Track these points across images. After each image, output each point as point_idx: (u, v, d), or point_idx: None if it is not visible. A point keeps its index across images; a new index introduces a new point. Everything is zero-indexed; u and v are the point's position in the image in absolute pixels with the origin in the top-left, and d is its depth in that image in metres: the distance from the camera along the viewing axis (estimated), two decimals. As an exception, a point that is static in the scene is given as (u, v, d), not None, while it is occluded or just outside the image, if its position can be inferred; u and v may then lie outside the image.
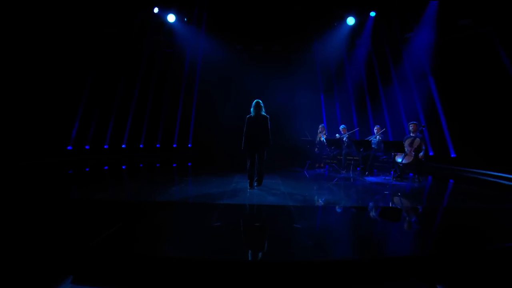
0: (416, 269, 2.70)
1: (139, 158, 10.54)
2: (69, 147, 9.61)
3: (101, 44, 10.07)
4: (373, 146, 7.52)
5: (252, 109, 5.56)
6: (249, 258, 2.75)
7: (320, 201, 5.06)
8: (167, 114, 11.83)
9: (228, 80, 11.54)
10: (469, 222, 3.94)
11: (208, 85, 11.81)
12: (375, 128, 7.90)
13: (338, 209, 4.54)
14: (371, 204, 4.97)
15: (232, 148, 7.04)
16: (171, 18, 10.36)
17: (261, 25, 10.70)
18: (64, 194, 5.05)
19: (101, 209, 4.18)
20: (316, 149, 8.73)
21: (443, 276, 2.60)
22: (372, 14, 10.24)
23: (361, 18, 10.43)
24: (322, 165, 8.92)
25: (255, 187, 5.61)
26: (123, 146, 10.97)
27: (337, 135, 8.55)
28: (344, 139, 8.23)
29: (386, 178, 7.07)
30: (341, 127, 8.62)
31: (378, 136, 7.74)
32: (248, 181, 5.59)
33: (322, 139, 8.66)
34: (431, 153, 9.46)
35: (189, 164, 9.90)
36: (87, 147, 10.07)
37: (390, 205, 5.02)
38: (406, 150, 6.72)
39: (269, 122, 5.54)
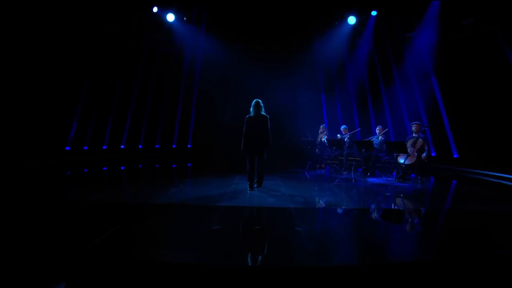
0: (422, 275, 2.60)
1: (138, 159, 10.45)
2: (67, 148, 9.50)
3: (100, 44, 9.98)
4: (375, 146, 7.42)
5: (251, 108, 5.46)
6: (249, 263, 2.66)
7: (322, 203, 4.96)
8: (166, 114, 11.73)
9: (228, 80, 11.45)
10: (475, 225, 3.84)
11: (207, 85, 11.71)
12: (377, 128, 7.80)
13: (340, 212, 4.44)
14: (373, 206, 4.87)
15: (232, 148, 6.94)
16: (170, 17, 10.27)
17: (261, 25, 10.60)
18: (61, 196, 4.96)
19: (98, 211, 4.09)
20: (317, 149, 8.64)
21: (448, 282, 2.51)
22: (374, 13, 10.14)
23: (362, 17, 10.34)
24: (323, 166, 8.82)
25: (255, 189, 5.51)
26: (122, 146, 10.88)
27: (338, 135, 8.46)
28: (345, 140, 8.13)
29: (388, 179, 6.97)
30: (342, 127, 8.52)
31: (380, 137, 7.64)
32: (248, 182, 5.50)
33: (323, 139, 8.57)
34: (433, 154, 9.36)
35: (189, 164, 9.82)
36: (85, 147, 9.97)
37: (394, 208, 4.92)
38: (408, 150, 6.63)
39: (269, 122, 5.45)
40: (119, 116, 10.78)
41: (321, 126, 8.94)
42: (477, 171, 7.92)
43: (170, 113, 11.77)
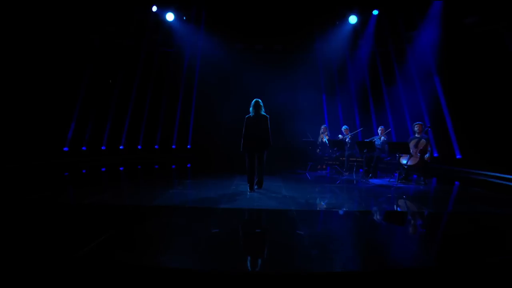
0: (428, 282, 2.49)
1: (137, 159, 10.35)
2: (65, 149, 9.39)
3: (99, 43, 9.88)
4: (377, 147, 7.31)
5: (251, 108, 5.36)
6: (249, 269, 2.55)
7: (323, 205, 4.85)
8: (165, 115, 11.63)
9: (228, 79, 11.36)
10: (482, 228, 3.73)
11: (207, 85, 11.60)
12: (379, 128, 7.69)
13: (343, 214, 4.33)
14: (377, 208, 4.76)
15: (232, 149, 6.85)
16: (169, 16, 10.18)
17: (262, 24, 10.49)
18: (56, 198, 4.84)
19: (93, 214, 3.99)
20: (318, 150, 8.54)
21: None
22: (375, 12, 10.05)
23: (364, 16, 10.25)
24: (324, 166, 8.71)
25: (256, 190, 5.41)
26: (120, 147, 10.77)
27: (339, 136, 8.35)
28: (347, 140, 8.02)
29: (391, 180, 6.86)
30: (344, 127, 8.42)
31: (382, 137, 7.53)
32: (248, 184, 5.39)
33: (324, 140, 8.46)
34: (436, 154, 9.24)
35: (188, 165, 9.73)
36: (83, 148, 9.86)
37: (397, 210, 4.81)
38: (411, 151, 6.52)
39: (269, 122, 5.34)
40: (118, 116, 10.67)
41: (322, 127, 8.83)
42: (481, 172, 7.82)
43: (170, 113, 11.66)
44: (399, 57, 10.28)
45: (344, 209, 4.60)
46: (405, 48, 10.05)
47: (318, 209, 4.69)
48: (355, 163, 7.92)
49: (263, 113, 5.36)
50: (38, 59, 8.45)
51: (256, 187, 5.48)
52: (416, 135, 6.80)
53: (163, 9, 10.09)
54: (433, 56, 9.21)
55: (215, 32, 10.64)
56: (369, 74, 11.07)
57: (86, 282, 2.35)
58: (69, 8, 8.66)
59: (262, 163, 5.44)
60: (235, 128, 6.35)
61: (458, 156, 8.79)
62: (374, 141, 7.44)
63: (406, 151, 6.41)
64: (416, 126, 6.85)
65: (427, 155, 6.58)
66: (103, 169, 8.22)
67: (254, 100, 5.38)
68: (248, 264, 2.67)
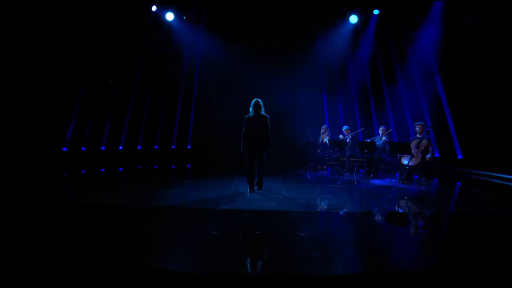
0: (431, 285, 2.45)
1: (136, 160, 10.30)
2: (64, 149, 9.35)
3: (98, 43, 9.84)
4: (378, 147, 7.26)
5: (251, 108, 5.30)
6: (249, 272, 2.50)
7: (325, 206, 4.81)
8: (165, 115, 11.58)
9: (228, 79, 11.31)
10: (486, 230, 3.68)
11: (207, 85, 11.55)
12: (381, 129, 7.64)
13: (344, 215, 4.28)
14: (378, 209, 4.71)
15: (232, 149, 6.81)
16: (169, 16, 10.13)
17: (262, 23, 10.43)
18: (54, 199, 4.80)
19: (92, 215, 3.94)
20: (319, 150, 8.48)
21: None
22: (376, 12, 9.99)
23: (365, 16, 10.19)
24: (324, 167, 8.66)
25: (256, 191, 5.36)
26: (120, 147, 10.72)
27: (340, 136, 8.30)
28: (347, 140, 7.97)
29: (392, 181, 6.80)
30: (344, 128, 8.37)
31: (384, 137, 7.47)
32: (248, 184, 5.34)
33: (324, 140, 8.41)
34: (437, 155, 9.19)
35: (188, 166, 9.68)
36: (83, 148, 9.81)
37: (399, 211, 4.76)
38: (412, 151, 6.46)
39: (269, 122, 5.29)
40: (117, 116, 10.62)
41: (323, 127, 8.78)
42: (482, 172, 7.77)
43: (169, 113, 11.61)
44: (400, 56, 10.22)
45: (345, 210, 4.55)
46: (406, 48, 10.00)
47: (318, 210, 4.64)
48: (356, 164, 7.87)
49: (263, 113, 5.30)
50: (37, 59, 8.41)
51: (256, 187, 5.43)
52: (418, 135, 6.75)
53: (162, 8, 10.04)
54: (434, 56, 9.15)
55: (215, 31, 10.59)
56: (370, 74, 11.02)
57: (82, 285, 2.31)
58: (68, 8, 8.62)
59: (262, 164, 5.39)
60: (235, 128, 6.31)
61: (459, 157, 8.73)
62: (375, 141, 7.39)
63: (407, 151, 6.36)
64: (417, 126, 6.80)
65: (428, 156, 6.52)
66: (103, 170, 8.17)
67: (254, 100, 5.33)
68: (248, 267, 2.62)
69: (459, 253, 2.93)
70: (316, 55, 11.46)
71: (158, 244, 3.03)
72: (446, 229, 3.89)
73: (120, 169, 8.52)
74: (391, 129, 7.98)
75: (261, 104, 5.31)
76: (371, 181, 6.84)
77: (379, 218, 4.28)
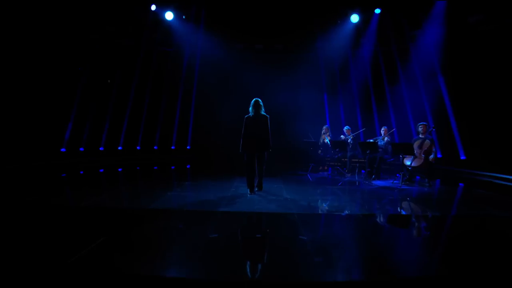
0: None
1: (135, 160, 10.21)
2: (62, 149, 9.26)
3: (97, 43, 9.75)
4: (380, 148, 7.16)
5: (251, 108, 5.21)
6: (249, 277, 2.40)
7: (326, 208, 4.71)
8: (164, 115, 11.50)
9: (228, 79, 11.24)
10: (488, 232, 3.58)
11: (207, 85, 11.48)
12: (383, 129, 7.54)
13: (346, 218, 4.18)
14: (381, 211, 4.61)
15: (232, 149, 6.72)
16: (169, 15, 10.05)
17: (262, 23, 10.35)
18: (52, 200, 4.71)
19: (90, 217, 3.85)
20: (320, 151, 8.39)
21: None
22: (377, 11, 9.91)
23: (366, 15, 10.11)
24: (325, 168, 8.56)
25: (256, 192, 5.26)
26: (119, 148, 10.63)
27: (341, 136, 8.20)
28: (349, 141, 7.88)
29: (394, 182, 6.70)
30: (345, 128, 8.28)
31: (386, 138, 7.37)
32: (248, 186, 5.24)
33: (326, 140, 8.31)
34: (439, 155, 9.10)
35: (188, 166, 9.59)
36: (81, 149, 9.73)
37: (402, 213, 4.66)
38: (415, 152, 6.36)
39: (269, 122, 5.19)
40: (116, 116, 10.54)
41: (324, 127, 8.68)
42: (485, 173, 7.68)
43: (169, 113, 11.54)
44: (402, 56, 10.14)
45: (347, 212, 4.45)
46: (408, 47, 9.90)
47: (320, 212, 4.54)
48: (358, 164, 7.78)
49: (263, 113, 5.21)
50: (36, 59, 8.34)
51: (256, 189, 5.34)
52: (420, 136, 6.65)
53: (162, 8, 9.96)
54: (436, 55, 9.06)
55: (215, 31, 10.51)
56: (372, 73, 10.94)
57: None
58: (68, 8, 8.54)
59: (262, 164, 5.30)
60: (235, 128, 6.22)
61: (462, 157, 8.64)
62: (377, 141, 7.29)
63: (410, 152, 6.26)
64: (420, 126, 6.70)
65: (431, 156, 6.42)
66: (101, 170, 8.08)
67: (254, 99, 5.24)
68: (248, 272, 2.52)
69: (465, 258, 2.83)
70: (317, 54, 11.37)
71: (157, 247, 2.94)
72: (449, 232, 3.79)
73: (119, 170, 8.43)
74: (393, 129, 7.87)
75: (261, 103, 5.21)
76: (373, 182, 6.75)
77: (382, 220, 4.18)
